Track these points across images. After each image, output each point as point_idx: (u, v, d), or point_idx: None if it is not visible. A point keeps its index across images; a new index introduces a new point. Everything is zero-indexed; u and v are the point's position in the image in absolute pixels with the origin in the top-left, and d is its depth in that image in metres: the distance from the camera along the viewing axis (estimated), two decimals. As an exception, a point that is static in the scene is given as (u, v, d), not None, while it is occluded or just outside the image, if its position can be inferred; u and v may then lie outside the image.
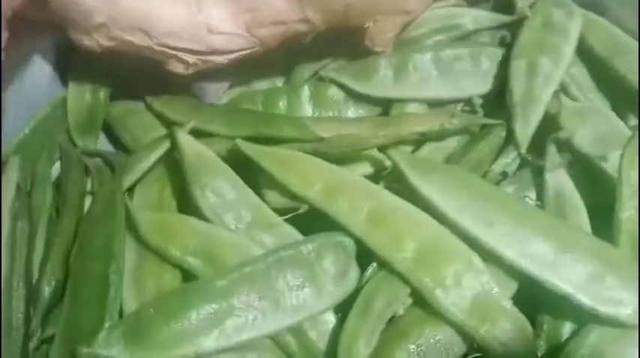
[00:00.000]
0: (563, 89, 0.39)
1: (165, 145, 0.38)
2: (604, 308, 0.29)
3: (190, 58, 0.39)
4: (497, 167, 0.38)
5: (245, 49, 0.39)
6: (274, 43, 0.40)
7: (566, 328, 0.31)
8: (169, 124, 0.41)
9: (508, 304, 0.29)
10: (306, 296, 0.31)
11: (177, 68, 0.40)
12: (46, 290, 0.34)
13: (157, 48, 0.38)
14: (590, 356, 0.30)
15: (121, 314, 0.31)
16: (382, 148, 0.36)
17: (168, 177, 0.38)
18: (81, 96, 0.45)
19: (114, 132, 0.45)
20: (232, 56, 0.40)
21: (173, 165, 0.38)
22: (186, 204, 0.36)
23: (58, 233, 0.36)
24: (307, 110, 0.42)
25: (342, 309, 0.31)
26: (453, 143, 0.39)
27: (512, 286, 0.31)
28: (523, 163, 0.37)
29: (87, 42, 0.38)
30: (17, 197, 0.37)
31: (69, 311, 0.32)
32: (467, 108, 0.40)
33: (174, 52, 0.39)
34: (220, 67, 0.40)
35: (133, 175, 0.37)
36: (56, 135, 0.43)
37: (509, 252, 0.30)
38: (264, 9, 0.38)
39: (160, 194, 0.37)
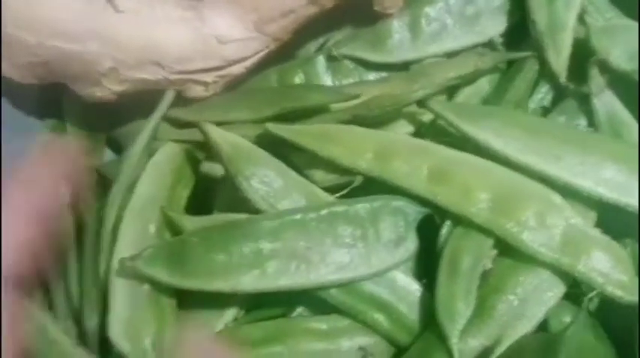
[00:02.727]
0: (584, 11, 0.38)
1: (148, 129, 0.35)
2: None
3: (208, 77, 0.37)
4: (533, 103, 0.37)
5: (260, 51, 0.37)
6: (287, 35, 0.37)
7: (649, 250, 0.31)
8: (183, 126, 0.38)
9: (597, 234, 0.29)
10: (354, 257, 0.29)
11: (197, 92, 0.38)
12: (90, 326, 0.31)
13: (172, 77, 0.36)
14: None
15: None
16: (422, 104, 0.34)
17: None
18: (78, 110, 0.41)
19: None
20: (249, 62, 0.37)
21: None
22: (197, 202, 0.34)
23: (85, 264, 0.33)
24: (327, 80, 0.39)
25: (426, 276, 0.30)
26: (485, 86, 0.37)
27: (593, 216, 0.30)
28: (559, 94, 0.36)
29: (99, 93, 0.36)
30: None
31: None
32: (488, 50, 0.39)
33: (190, 77, 0.36)
34: (240, 78, 0.38)
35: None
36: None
37: (585, 182, 0.29)
38: (269, 3, 0.36)
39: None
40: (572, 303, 0.30)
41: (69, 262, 0.34)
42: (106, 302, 0.29)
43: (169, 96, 0.35)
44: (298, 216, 0.29)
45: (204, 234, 0.30)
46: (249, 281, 0.28)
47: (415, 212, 0.31)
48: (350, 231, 0.29)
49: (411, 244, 0.31)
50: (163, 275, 0.29)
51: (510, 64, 0.38)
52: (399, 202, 0.31)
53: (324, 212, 0.29)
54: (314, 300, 0.30)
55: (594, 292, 0.28)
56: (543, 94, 0.37)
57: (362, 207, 0.30)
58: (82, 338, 0.31)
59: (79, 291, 0.32)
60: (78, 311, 0.32)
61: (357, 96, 0.34)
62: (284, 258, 0.29)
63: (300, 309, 0.31)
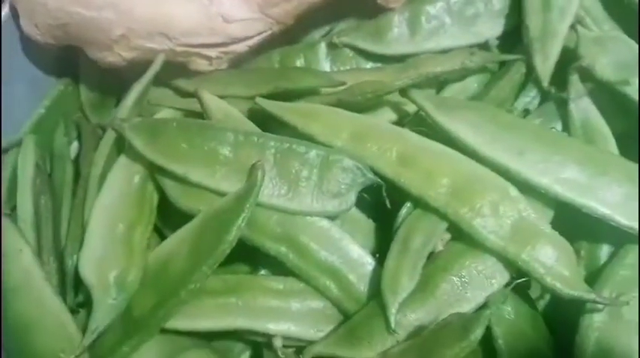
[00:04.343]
0: (578, 22, 0.38)
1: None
2: (642, 226, 0.29)
3: (212, 52, 0.39)
4: (519, 105, 0.38)
5: (263, 32, 0.39)
6: (291, 20, 0.39)
7: (604, 252, 0.32)
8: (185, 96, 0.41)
9: (547, 228, 0.29)
10: (292, 192, 0.31)
11: (202, 65, 0.40)
12: (70, 264, 0.34)
13: (178, 49, 0.39)
14: (631, 277, 0.30)
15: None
16: (404, 93, 0.36)
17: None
18: (93, 73, 0.44)
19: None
20: (252, 42, 0.40)
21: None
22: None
23: (75, 206, 0.36)
24: (325, 66, 0.41)
25: (380, 251, 0.31)
26: (473, 84, 0.39)
27: (549, 214, 0.31)
28: (545, 98, 0.37)
29: (110, 58, 0.39)
30: (37, 174, 0.37)
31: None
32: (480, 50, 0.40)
33: (195, 50, 0.39)
34: (242, 55, 0.40)
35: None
36: (70, 113, 0.43)
37: (543, 179, 0.30)
38: (274, -14, 0.38)
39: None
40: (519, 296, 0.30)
41: (63, 207, 0.37)
42: (82, 241, 0.32)
43: (160, 59, 0.38)
44: (261, 140, 0.32)
45: (184, 123, 0.33)
46: (196, 175, 0.32)
47: (364, 177, 0.32)
48: (299, 169, 0.32)
49: (346, 202, 0.32)
50: (139, 144, 0.33)
51: (502, 66, 0.39)
52: (353, 163, 0.32)
53: (285, 145, 0.32)
54: (278, 263, 0.33)
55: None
56: (531, 98, 0.38)
57: (318, 154, 0.32)
58: (62, 277, 0.34)
59: (66, 232, 0.35)
60: (62, 254, 0.35)
61: (343, 84, 0.36)
62: (233, 169, 0.31)
63: (264, 271, 0.33)
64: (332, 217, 0.32)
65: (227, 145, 0.32)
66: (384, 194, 0.31)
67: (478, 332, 0.25)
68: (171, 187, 0.33)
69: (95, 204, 0.33)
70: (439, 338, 0.26)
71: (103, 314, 0.31)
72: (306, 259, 0.31)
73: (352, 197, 0.32)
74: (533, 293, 0.33)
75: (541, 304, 0.33)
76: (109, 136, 0.36)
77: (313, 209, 0.31)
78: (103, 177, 0.34)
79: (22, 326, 0.31)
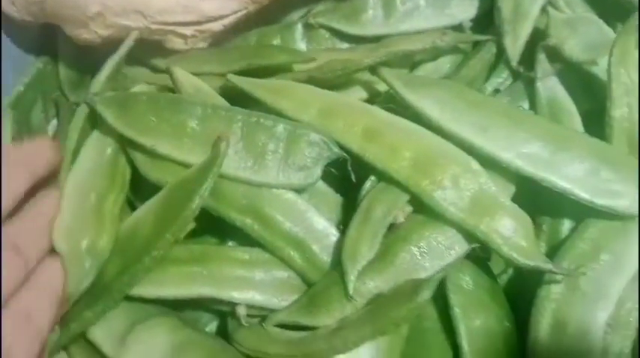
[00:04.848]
0: (551, 4, 0.39)
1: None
2: (601, 201, 0.30)
3: (187, 31, 0.40)
4: (490, 86, 0.38)
5: (238, 11, 0.40)
6: (266, 0, 0.40)
7: (565, 227, 0.32)
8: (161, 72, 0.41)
9: (507, 201, 0.30)
10: (258, 164, 0.32)
11: (177, 44, 0.40)
12: None
13: (153, 27, 0.39)
14: (590, 250, 0.30)
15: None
16: (375, 71, 0.36)
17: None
18: (72, 51, 0.44)
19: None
20: (227, 21, 0.40)
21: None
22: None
23: None
24: (302, 47, 0.42)
25: (345, 224, 0.32)
26: (446, 65, 0.39)
27: (510, 189, 0.31)
28: (515, 79, 0.38)
29: (86, 35, 0.40)
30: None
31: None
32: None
33: (170, 28, 0.39)
34: (219, 35, 0.41)
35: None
36: (49, 91, 0.44)
37: (505, 154, 0.30)
38: (247, -34, 0.38)
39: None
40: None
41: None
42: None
43: (133, 35, 0.38)
44: (228, 113, 0.33)
45: (154, 97, 0.34)
46: (164, 147, 0.32)
47: (330, 151, 0.32)
48: (265, 142, 0.32)
49: (312, 176, 0.32)
50: (109, 117, 0.33)
51: (475, 46, 0.40)
52: (320, 137, 0.32)
53: (252, 119, 0.32)
54: (245, 236, 0.33)
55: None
56: (503, 80, 0.39)
57: (285, 128, 0.32)
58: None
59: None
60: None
61: (313, 59, 0.37)
62: (201, 141, 0.32)
63: (231, 243, 0.34)
64: (299, 190, 0.33)
65: (195, 118, 0.33)
66: (349, 168, 0.32)
67: (426, 294, 0.25)
68: (141, 160, 0.34)
69: (69, 176, 0.33)
70: (390, 301, 0.26)
71: (77, 281, 0.31)
72: (271, 230, 0.31)
73: (318, 171, 0.32)
74: (496, 269, 0.33)
75: (504, 279, 0.33)
76: (82, 111, 0.36)
77: (279, 181, 0.32)
78: (76, 152, 0.35)
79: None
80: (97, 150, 0.35)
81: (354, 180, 0.32)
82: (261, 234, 0.31)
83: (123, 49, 0.38)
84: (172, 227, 0.30)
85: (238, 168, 0.32)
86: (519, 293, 0.31)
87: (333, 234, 0.31)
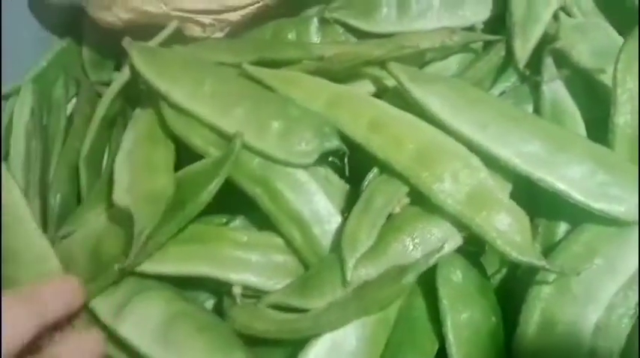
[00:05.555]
0: (564, 10, 0.39)
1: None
2: (598, 205, 0.30)
3: (206, 19, 0.41)
4: (497, 90, 0.39)
5: (256, 3, 0.41)
6: None
7: (561, 229, 0.32)
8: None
9: (505, 197, 0.30)
10: (265, 137, 0.33)
11: (195, 31, 0.42)
12: (53, 201, 0.37)
13: (173, 14, 0.40)
14: (584, 254, 0.30)
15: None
16: (384, 66, 0.36)
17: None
18: (95, 34, 0.46)
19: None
20: (245, 11, 0.41)
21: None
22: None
23: (64, 152, 0.39)
24: (316, 40, 0.43)
25: (348, 213, 0.32)
26: (454, 65, 0.40)
27: (508, 187, 0.32)
28: (522, 82, 0.38)
29: (109, 18, 0.41)
30: (31, 119, 0.40)
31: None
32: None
33: (189, 16, 0.41)
34: (236, 25, 0.42)
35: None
36: (71, 69, 0.45)
37: (503, 152, 0.31)
38: (267, -42, 0.40)
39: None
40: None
41: (53, 153, 0.39)
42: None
43: (173, 24, 0.40)
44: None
45: (184, 53, 0.38)
46: (177, 94, 0.35)
47: (331, 142, 0.33)
48: (274, 118, 0.33)
49: (309, 158, 0.33)
50: (138, 61, 0.37)
51: (485, 47, 0.40)
52: (328, 128, 0.33)
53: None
54: (247, 218, 0.34)
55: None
56: (511, 84, 0.39)
57: (295, 110, 0.34)
58: (44, 214, 0.36)
59: (53, 174, 0.37)
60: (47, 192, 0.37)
61: (321, 57, 0.38)
62: (214, 98, 0.34)
63: (237, 221, 0.35)
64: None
65: (213, 77, 0.35)
66: (346, 161, 0.33)
67: (410, 277, 0.26)
68: (169, 114, 0.36)
69: (122, 142, 0.36)
70: (376, 284, 0.27)
71: (145, 220, 0.31)
72: (277, 204, 0.32)
73: (315, 156, 0.33)
74: (490, 269, 0.33)
75: (497, 279, 0.33)
76: (122, 77, 0.38)
77: (278, 157, 0.33)
78: (105, 118, 0.37)
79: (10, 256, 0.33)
80: (146, 118, 0.37)
81: (346, 173, 0.33)
82: (268, 206, 0.32)
83: (161, 36, 0.39)
84: (178, 217, 0.31)
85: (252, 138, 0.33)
86: (511, 294, 0.32)
87: (336, 221, 0.32)
